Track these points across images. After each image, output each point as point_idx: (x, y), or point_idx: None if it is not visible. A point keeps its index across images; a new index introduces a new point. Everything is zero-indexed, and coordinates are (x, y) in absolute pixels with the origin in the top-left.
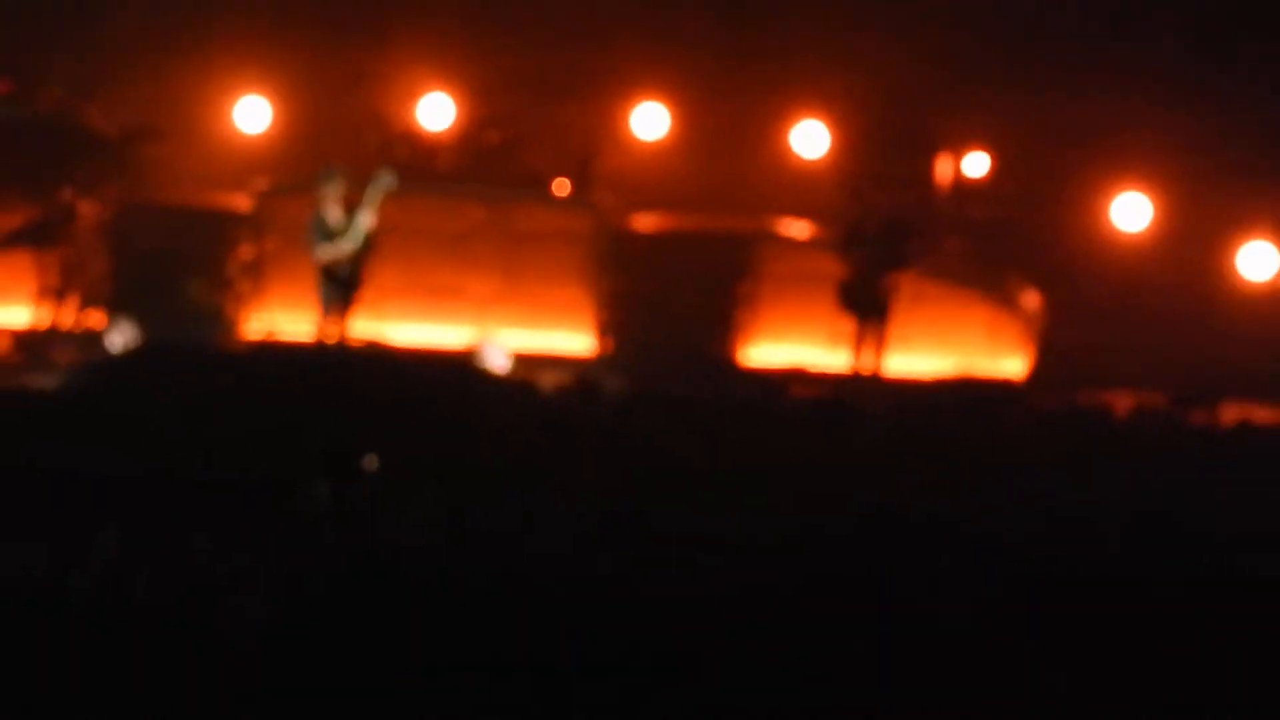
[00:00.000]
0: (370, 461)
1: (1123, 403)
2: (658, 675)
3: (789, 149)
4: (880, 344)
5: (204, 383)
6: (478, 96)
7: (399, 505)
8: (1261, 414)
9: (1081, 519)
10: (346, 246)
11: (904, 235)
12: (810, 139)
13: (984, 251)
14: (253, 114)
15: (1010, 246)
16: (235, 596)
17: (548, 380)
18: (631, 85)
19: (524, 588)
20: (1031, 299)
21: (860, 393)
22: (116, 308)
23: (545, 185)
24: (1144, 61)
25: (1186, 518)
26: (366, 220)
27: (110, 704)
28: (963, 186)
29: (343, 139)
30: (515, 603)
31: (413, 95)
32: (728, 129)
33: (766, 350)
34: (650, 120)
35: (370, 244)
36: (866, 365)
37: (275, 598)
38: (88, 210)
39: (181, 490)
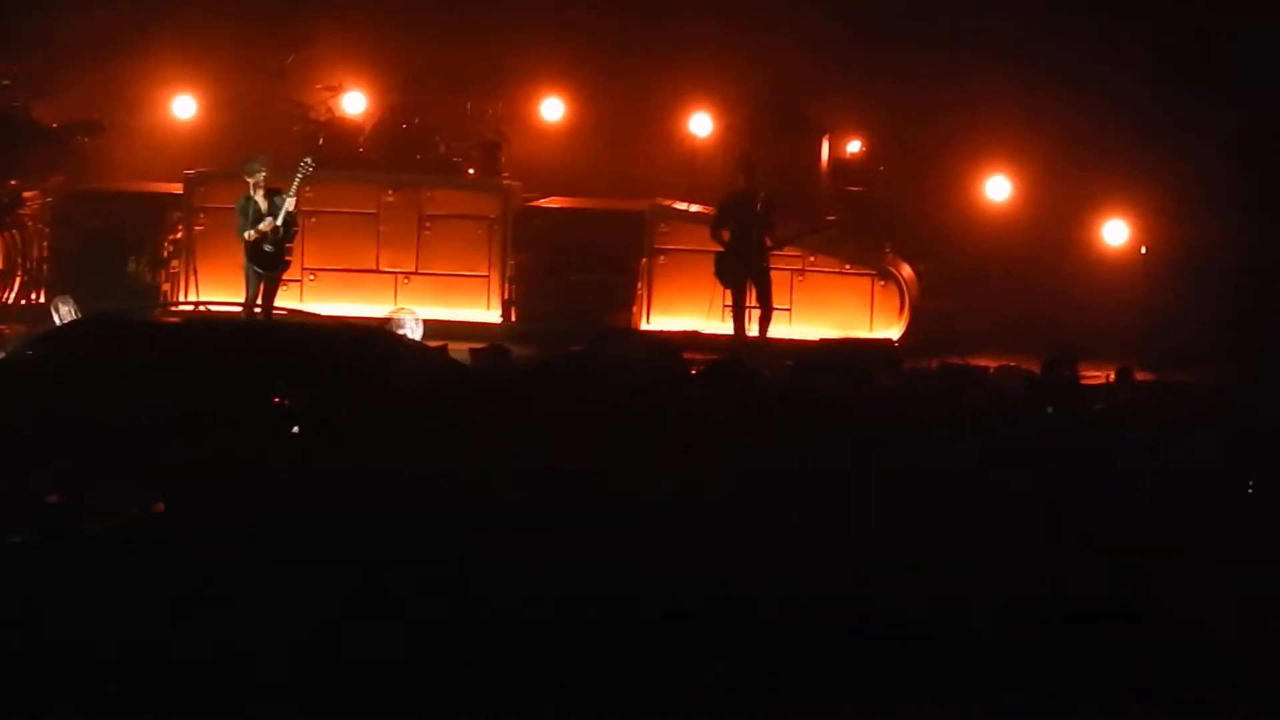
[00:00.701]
0: (293, 407)
1: (990, 365)
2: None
3: (680, 134)
4: (764, 314)
5: (139, 349)
6: (392, 88)
7: (322, 451)
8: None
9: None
10: (270, 228)
11: (777, 212)
12: (700, 125)
13: (861, 225)
14: (184, 108)
15: (885, 221)
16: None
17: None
18: (534, 77)
19: (440, 526)
20: (906, 270)
21: (746, 354)
22: (59, 284)
23: (455, 169)
24: (1005, 47)
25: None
26: (289, 203)
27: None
28: (840, 165)
29: (267, 129)
30: (430, 540)
31: (332, 89)
32: (623, 116)
33: (661, 319)
34: (551, 109)
35: (293, 225)
36: (751, 332)
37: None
38: (32, 196)
39: (119, 440)
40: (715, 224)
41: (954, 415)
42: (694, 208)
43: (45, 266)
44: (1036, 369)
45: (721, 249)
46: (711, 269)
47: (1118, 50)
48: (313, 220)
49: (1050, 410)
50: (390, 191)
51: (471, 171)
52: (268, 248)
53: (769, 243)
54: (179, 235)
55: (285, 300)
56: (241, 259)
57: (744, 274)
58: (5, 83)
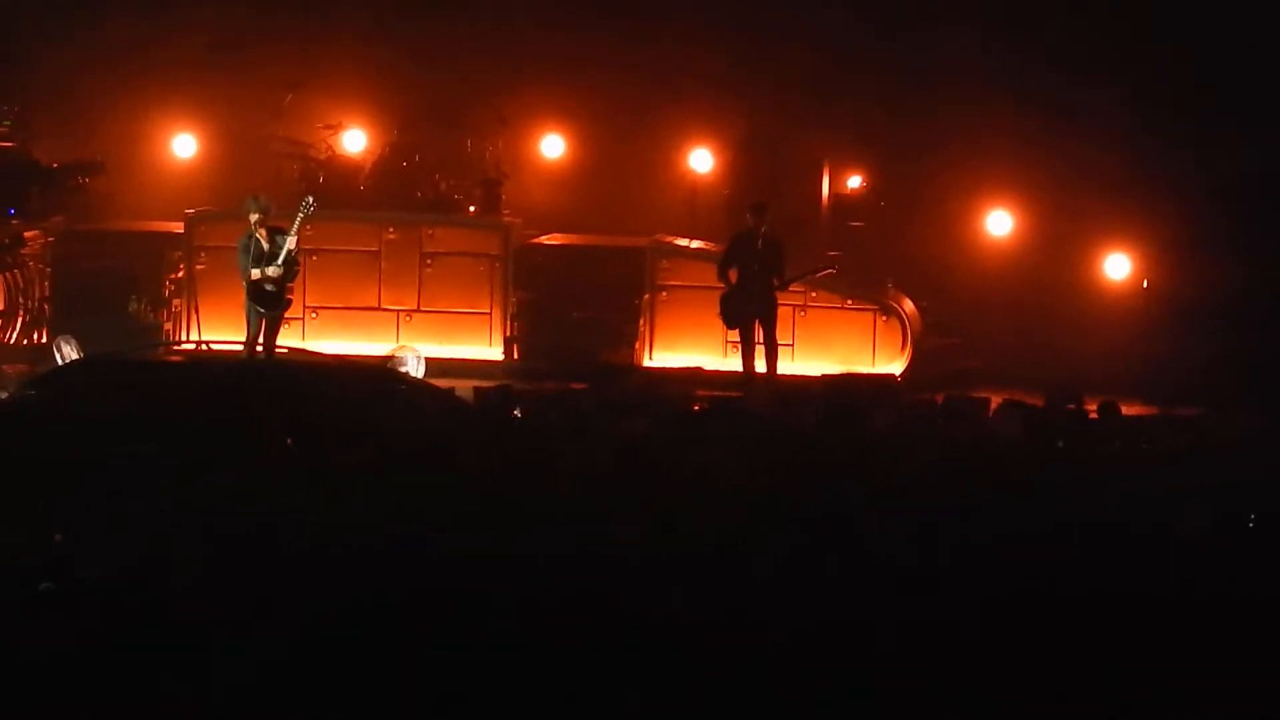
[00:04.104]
0: (288, 447)
1: (993, 399)
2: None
3: (680, 170)
4: (770, 351)
5: (140, 387)
6: (392, 126)
7: (325, 490)
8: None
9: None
10: (272, 267)
11: (780, 252)
12: (700, 161)
13: (863, 261)
14: (184, 147)
15: (886, 256)
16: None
17: (461, 385)
18: (535, 114)
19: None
20: (908, 305)
21: (750, 392)
22: (61, 324)
23: (456, 207)
24: (1008, 82)
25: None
26: (291, 242)
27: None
28: (841, 201)
29: (267, 168)
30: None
31: (332, 127)
32: (623, 153)
33: (663, 356)
34: (551, 146)
35: (294, 264)
36: (756, 370)
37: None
38: (34, 237)
39: (119, 475)
40: (722, 263)
41: (957, 452)
42: (695, 244)
43: (47, 306)
44: (1039, 403)
45: (727, 289)
46: (714, 305)
47: (1122, 86)
48: (314, 258)
49: (1060, 445)
50: (391, 229)
51: (472, 209)
52: (269, 287)
53: (775, 282)
54: (180, 274)
55: (287, 339)
56: (243, 298)
57: (751, 312)
58: (5, 125)
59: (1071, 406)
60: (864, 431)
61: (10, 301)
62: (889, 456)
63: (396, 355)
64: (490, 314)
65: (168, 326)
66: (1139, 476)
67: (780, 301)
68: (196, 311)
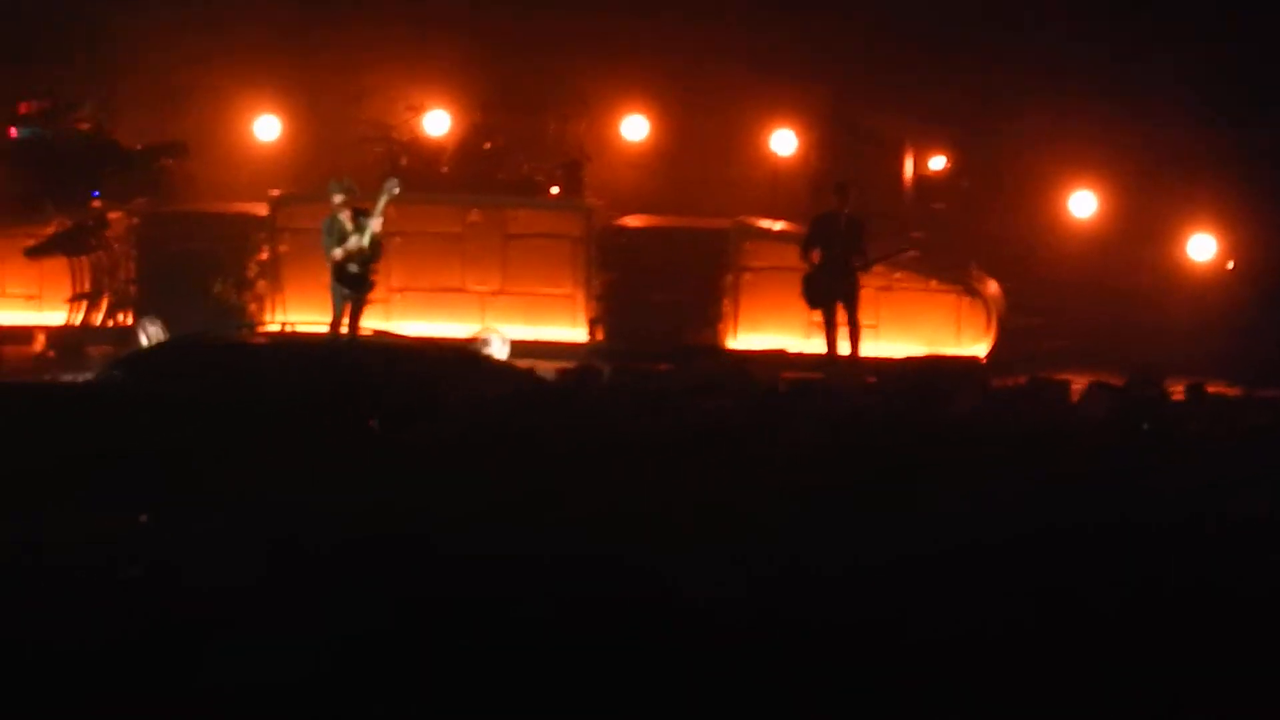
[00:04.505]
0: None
1: (1076, 380)
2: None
3: (763, 152)
4: (853, 332)
5: (226, 370)
6: (473, 108)
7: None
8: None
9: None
10: (356, 248)
11: (862, 233)
12: (782, 143)
13: (946, 243)
14: (267, 129)
15: (969, 238)
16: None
17: (544, 366)
18: (617, 96)
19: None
20: (991, 286)
21: (835, 374)
22: (145, 306)
23: (538, 189)
24: (1089, 62)
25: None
26: (375, 224)
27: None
28: (924, 182)
29: (350, 150)
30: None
31: (414, 109)
32: (706, 134)
33: (747, 338)
34: (633, 128)
35: (378, 246)
36: (840, 351)
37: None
38: (118, 218)
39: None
40: (805, 244)
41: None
42: (778, 225)
43: (131, 288)
44: (1121, 385)
45: (810, 269)
46: (797, 286)
47: (1204, 64)
48: (398, 240)
49: (1145, 428)
50: (474, 211)
51: (555, 190)
52: (354, 268)
53: (856, 263)
54: (264, 256)
55: (371, 321)
56: (327, 280)
57: (834, 293)
58: (84, 108)
59: (1152, 390)
60: (947, 414)
61: (95, 283)
62: (972, 438)
63: (480, 337)
64: (573, 296)
65: (252, 308)
66: (1226, 461)
67: (863, 283)
68: (281, 293)
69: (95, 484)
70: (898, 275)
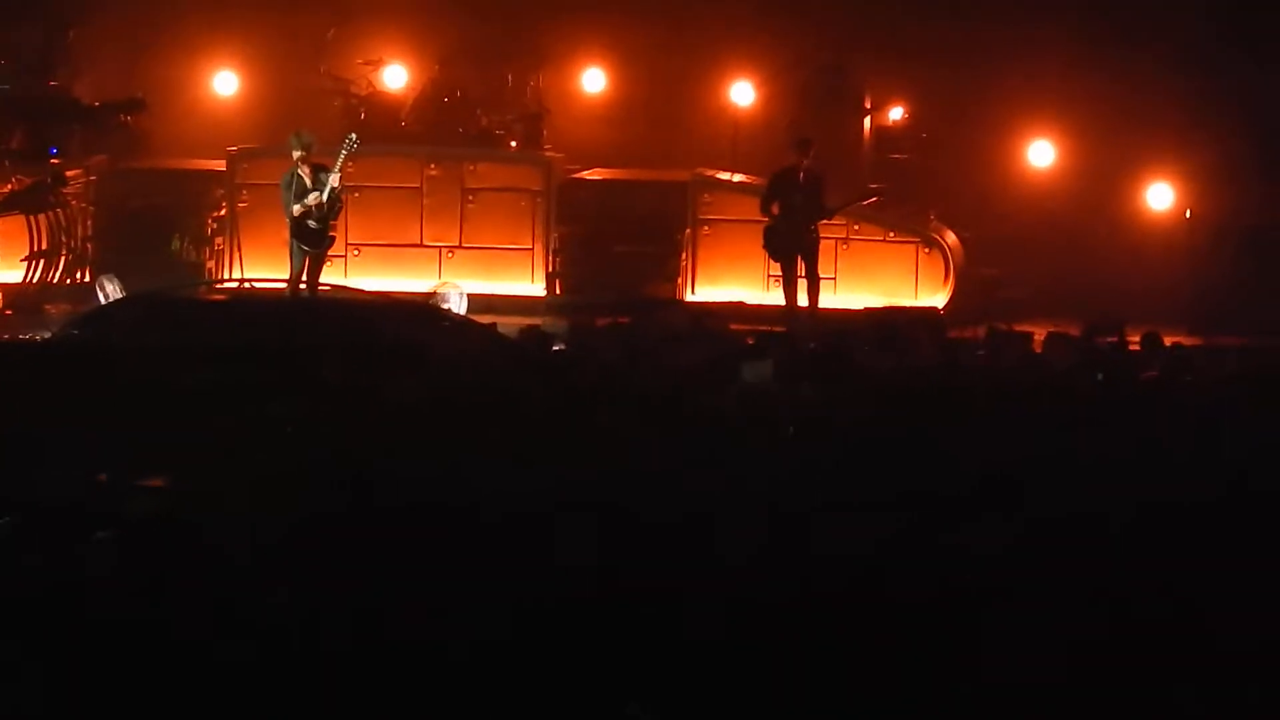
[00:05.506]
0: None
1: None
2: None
3: (722, 103)
4: (812, 285)
5: (184, 327)
6: (432, 61)
7: (368, 428)
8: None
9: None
10: (315, 204)
11: (821, 186)
12: (741, 94)
13: (905, 193)
14: (225, 84)
15: (928, 188)
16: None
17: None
18: (575, 48)
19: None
20: (950, 237)
21: (793, 325)
22: (104, 263)
23: (497, 142)
24: (1048, 9)
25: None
26: (334, 179)
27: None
28: (883, 133)
29: (308, 104)
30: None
31: (373, 63)
32: (665, 87)
33: (706, 290)
34: (592, 80)
35: (337, 201)
36: (798, 303)
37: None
38: (75, 175)
39: (166, 418)
40: (765, 198)
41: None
42: (737, 178)
43: (89, 245)
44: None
45: (770, 222)
46: (756, 239)
47: (1163, 13)
48: (355, 195)
49: (1100, 377)
50: (433, 165)
51: (514, 144)
52: (312, 224)
53: (822, 210)
54: (222, 212)
55: (330, 276)
56: (286, 235)
57: (793, 246)
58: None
59: (1112, 339)
60: (911, 363)
61: (53, 240)
62: (940, 388)
63: (439, 292)
64: (532, 249)
65: (210, 264)
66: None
67: (822, 235)
68: (239, 249)
69: (55, 444)
70: (856, 227)
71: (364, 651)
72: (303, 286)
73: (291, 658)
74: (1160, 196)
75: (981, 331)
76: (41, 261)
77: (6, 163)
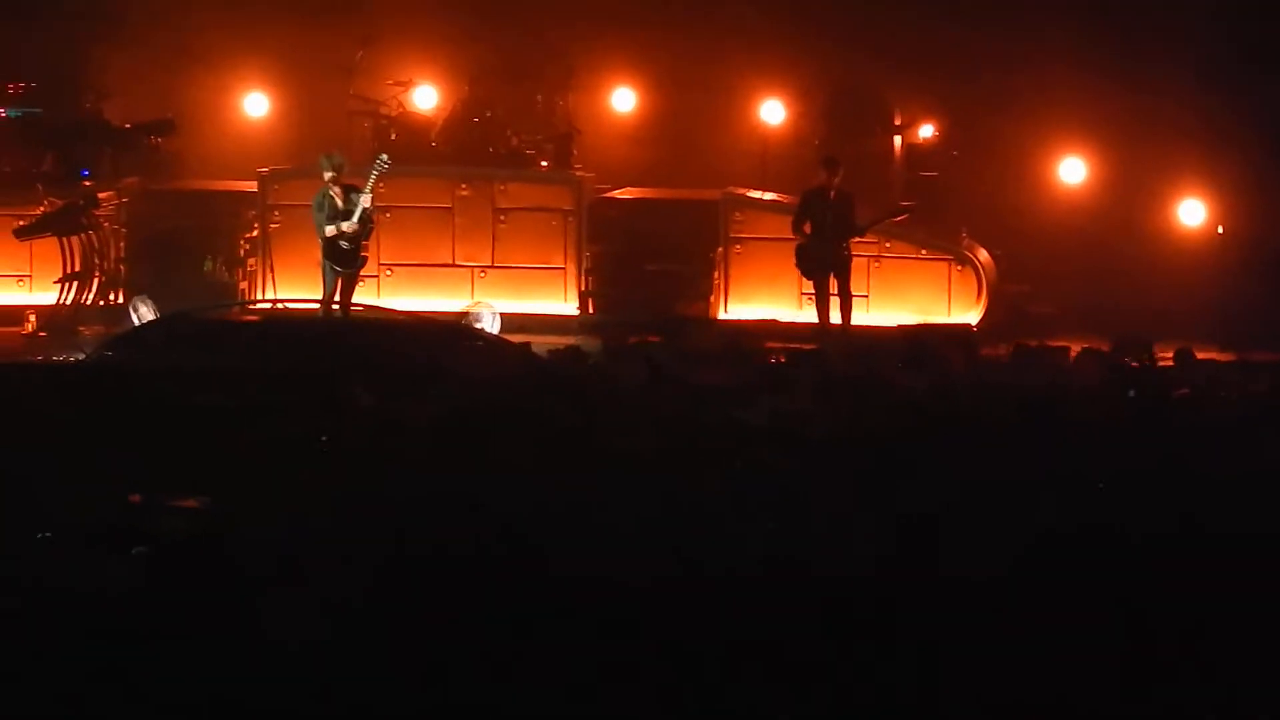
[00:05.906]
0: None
1: (1069, 347)
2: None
3: (752, 122)
4: (844, 302)
5: (217, 348)
6: (462, 82)
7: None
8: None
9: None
10: (347, 224)
11: (851, 205)
12: (771, 113)
13: (936, 211)
14: (256, 106)
15: (959, 206)
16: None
17: (537, 340)
18: (605, 68)
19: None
20: (982, 254)
21: (826, 344)
22: (136, 285)
23: (528, 162)
24: (1078, 28)
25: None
26: (365, 200)
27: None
28: (913, 151)
29: (338, 125)
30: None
31: (403, 84)
32: (695, 106)
33: (738, 308)
34: (622, 100)
35: (369, 221)
36: (831, 321)
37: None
38: (108, 198)
39: (200, 439)
40: (796, 218)
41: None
42: (768, 196)
43: (122, 267)
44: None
45: (802, 240)
46: (788, 257)
47: (1194, 30)
48: (387, 216)
49: (1131, 394)
50: (464, 186)
51: (544, 164)
52: (344, 245)
53: (848, 239)
54: (254, 233)
55: (362, 296)
56: (318, 256)
57: (825, 265)
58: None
59: (1136, 361)
60: (943, 381)
61: (85, 263)
62: (972, 405)
63: (472, 311)
64: (564, 269)
65: (243, 285)
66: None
67: (855, 253)
68: (271, 270)
69: (90, 465)
70: (888, 245)
71: (387, 665)
72: (335, 307)
73: (315, 671)
74: (1192, 213)
75: (1011, 349)
76: (75, 283)
77: (39, 185)
